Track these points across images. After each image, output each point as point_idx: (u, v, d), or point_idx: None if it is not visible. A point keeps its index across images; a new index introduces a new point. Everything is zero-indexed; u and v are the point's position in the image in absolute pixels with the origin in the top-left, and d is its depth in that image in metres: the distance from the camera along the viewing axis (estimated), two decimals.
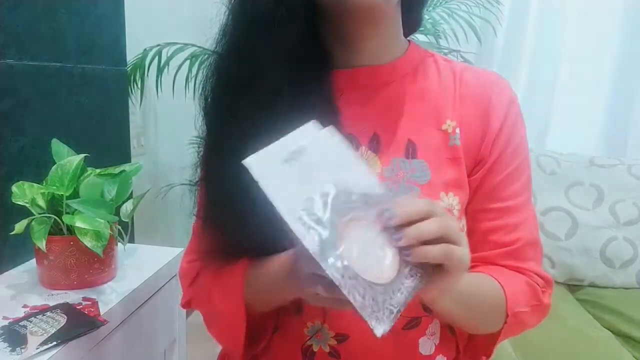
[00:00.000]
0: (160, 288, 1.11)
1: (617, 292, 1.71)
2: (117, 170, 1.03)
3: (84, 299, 0.94)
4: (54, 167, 0.98)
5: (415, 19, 0.72)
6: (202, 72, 0.64)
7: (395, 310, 0.42)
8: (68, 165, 0.98)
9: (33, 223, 0.92)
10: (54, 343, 0.78)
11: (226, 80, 0.61)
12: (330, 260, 0.41)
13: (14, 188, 0.94)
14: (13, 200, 0.93)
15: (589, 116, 2.13)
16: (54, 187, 0.96)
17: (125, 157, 1.46)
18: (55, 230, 0.96)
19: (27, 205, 0.94)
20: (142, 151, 1.84)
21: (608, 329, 1.50)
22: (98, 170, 1.01)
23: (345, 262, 0.42)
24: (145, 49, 1.66)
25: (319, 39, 0.64)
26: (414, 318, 0.64)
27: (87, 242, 0.91)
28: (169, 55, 1.64)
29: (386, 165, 0.63)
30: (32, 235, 0.90)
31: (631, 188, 1.79)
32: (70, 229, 0.94)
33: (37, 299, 0.94)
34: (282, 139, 0.48)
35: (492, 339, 0.67)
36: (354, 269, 0.42)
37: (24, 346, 0.77)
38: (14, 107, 1.05)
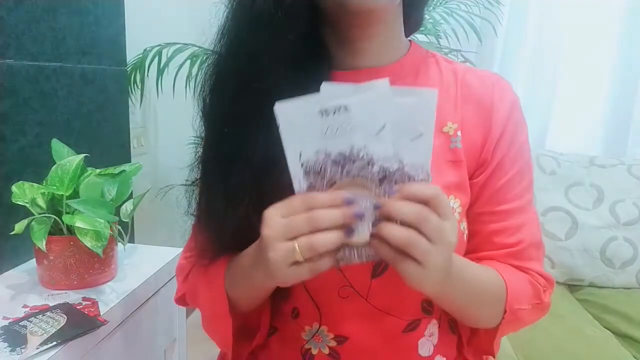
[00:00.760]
0: (160, 288, 1.11)
1: (617, 292, 1.71)
2: (117, 170, 1.03)
3: (84, 299, 0.94)
4: (54, 167, 0.98)
5: (416, 19, 0.72)
6: (202, 73, 0.64)
7: (340, 264, 0.48)
8: (68, 165, 0.98)
9: (33, 223, 0.92)
10: (54, 343, 0.78)
11: (225, 81, 0.61)
12: (328, 196, 0.46)
13: (14, 188, 0.94)
14: (13, 200, 0.93)
15: (589, 116, 2.13)
16: (54, 187, 0.96)
17: (125, 157, 1.46)
18: (55, 230, 0.96)
19: (27, 205, 0.94)
20: (142, 151, 1.84)
21: (608, 329, 1.50)
22: (98, 170, 1.01)
23: None
24: (145, 49, 1.66)
25: (319, 40, 0.63)
26: (413, 321, 0.64)
27: (87, 242, 0.91)
28: (169, 55, 1.64)
29: None
30: (32, 235, 0.90)
31: (631, 188, 1.79)
32: (70, 229, 0.94)
33: (37, 299, 0.94)
34: (336, 88, 0.47)
35: (491, 335, 0.67)
36: None
37: (24, 346, 0.77)
38: (14, 107, 1.05)
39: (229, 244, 0.61)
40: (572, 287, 1.78)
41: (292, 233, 0.46)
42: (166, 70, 1.64)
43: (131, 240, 1.29)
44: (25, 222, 0.92)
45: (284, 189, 0.49)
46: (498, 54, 2.17)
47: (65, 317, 0.86)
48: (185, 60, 1.64)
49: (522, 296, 0.64)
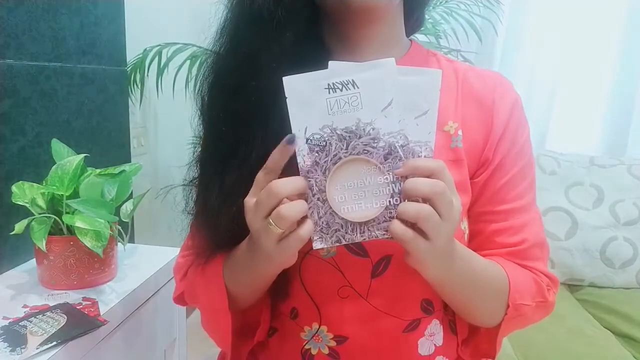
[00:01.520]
0: (160, 288, 1.11)
1: (617, 292, 1.71)
2: (117, 170, 1.03)
3: (84, 299, 0.94)
4: (54, 167, 0.98)
5: (417, 19, 0.72)
6: (201, 72, 0.64)
7: (343, 242, 0.49)
8: (68, 165, 0.98)
9: (33, 223, 0.92)
10: (54, 343, 0.78)
11: (223, 79, 0.61)
12: (311, 181, 0.48)
13: (14, 188, 0.94)
14: (13, 200, 0.93)
15: (589, 116, 2.13)
16: (54, 187, 0.96)
17: (125, 157, 1.46)
18: (55, 230, 0.96)
19: (27, 205, 0.94)
20: (142, 151, 1.84)
21: (608, 329, 1.50)
22: (98, 170, 1.01)
23: (322, 186, 0.48)
24: (145, 49, 1.66)
25: (319, 40, 0.63)
26: (413, 321, 0.64)
27: (87, 242, 0.91)
28: (169, 55, 1.64)
29: None
30: (32, 235, 0.90)
31: (631, 188, 1.79)
32: (70, 229, 0.94)
33: (37, 299, 0.94)
34: (344, 65, 0.47)
35: (493, 334, 0.66)
36: (327, 194, 0.48)
37: (24, 346, 0.77)
38: (14, 107, 1.05)
39: (226, 242, 0.61)
40: (572, 287, 1.78)
41: (261, 210, 0.48)
42: (166, 70, 1.64)
43: (131, 240, 1.29)
44: (25, 222, 0.92)
45: None
46: (498, 53, 2.17)
47: (65, 317, 0.86)
48: (185, 60, 1.64)
49: (525, 292, 0.63)
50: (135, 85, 1.65)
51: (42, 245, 0.90)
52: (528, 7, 2.11)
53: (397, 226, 0.47)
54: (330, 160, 0.48)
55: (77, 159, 0.99)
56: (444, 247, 0.49)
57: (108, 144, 1.37)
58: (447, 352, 0.68)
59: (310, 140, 0.48)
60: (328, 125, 0.48)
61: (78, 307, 0.90)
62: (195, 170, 0.64)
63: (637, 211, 1.76)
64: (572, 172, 1.83)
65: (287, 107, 0.47)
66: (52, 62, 1.15)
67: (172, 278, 1.14)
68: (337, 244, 0.49)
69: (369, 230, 0.48)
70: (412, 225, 0.47)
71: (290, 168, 0.49)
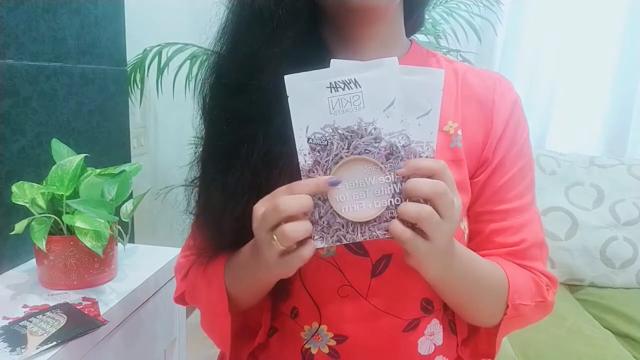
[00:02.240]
0: (160, 288, 1.11)
1: (617, 292, 1.71)
2: (117, 170, 1.03)
3: (84, 299, 0.94)
4: (54, 167, 0.98)
5: (417, 19, 0.72)
6: (202, 72, 0.64)
7: (344, 241, 0.49)
8: (68, 165, 0.98)
9: (33, 223, 0.92)
10: (54, 343, 0.78)
11: (225, 79, 0.61)
12: (313, 180, 0.47)
13: (14, 188, 0.94)
14: (13, 200, 0.93)
15: (589, 116, 2.13)
16: (54, 187, 0.96)
17: (125, 157, 1.46)
18: (55, 230, 0.96)
19: (27, 205, 0.94)
20: (142, 151, 1.84)
21: (608, 329, 1.50)
22: (98, 170, 1.01)
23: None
24: (145, 49, 1.66)
25: (319, 39, 0.63)
26: (413, 320, 0.64)
27: (87, 242, 0.91)
28: (169, 55, 1.64)
29: None
30: (32, 235, 0.90)
31: (631, 188, 1.79)
32: (70, 229, 0.94)
33: (37, 299, 0.94)
34: (346, 64, 0.47)
35: (492, 334, 0.66)
36: (328, 194, 0.47)
37: (24, 346, 0.77)
38: (14, 107, 1.05)
39: (228, 242, 0.61)
40: (572, 287, 1.78)
41: (267, 223, 0.47)
42: (166, 70, 1.64)
43: (131, 240, 1.29)
44: (25, 222, 0.92)
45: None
46: (498, 53, 2.17)
47: (65, 317, 0.86)
48: (185, 60, 1.64)
49: (525, 292, 0.63)
50: (135, 85, 1.65)
51: (42, 245, 0.90)
52: (528, 7, 2.11)
53: (396, 226, 0.47)
54: (332, 159, 0.48)
55: (77, 159, 0.99)
56: (443, 247, 0.49)
57: (108, 144, 1.37)
58: (447, 351, 0.68)
59: (312, 139, 0.47)
60: (329, 125, 0.47)
61: (78, 307, 0.90)
62: (197, 170, 0.64)
63: (637, 211, 1.76)
64: (572, 172, 1.83)
65: (288, 106, 0.47)
66: (52, 62, 1.15)
67: (172, 278, 1.14)
68: (338, 244, 0.49)
69: (369, 230, 0.48)
70: (413, 225, 0.47)
71: (292, 166, 0.49)
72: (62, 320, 0.85)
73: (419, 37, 1.60)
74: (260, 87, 0.56)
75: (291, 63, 0.56)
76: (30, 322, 0.84)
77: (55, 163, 0.99)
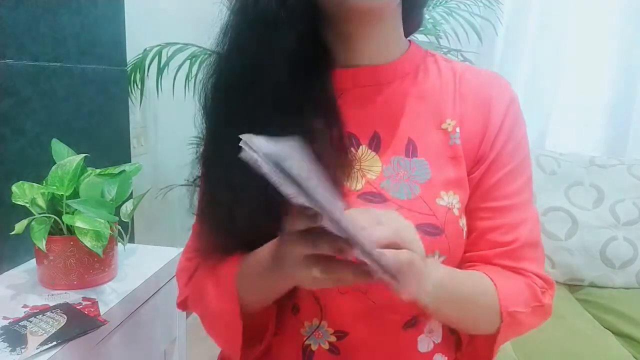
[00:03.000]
0: (160, 288, 1.11)
1: (617, 292, 1.71)
2: (117, 170, 1.03)
3: (84, 299, 0.94)
4: (54, 167, 0.98)
5: (416, 19, 0.72)
6: (202, 72, 0.64)
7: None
8: (68, 165, 0.98)
9: (33, 223, 0.92)
10: (54, 343, 0.78)
11: (227, 79, 0.61)
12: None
13: (14, 188, 0.94)
14: (13, 200, 0.93)
15: (589, 116, 2.13)
16: (54, 187, 0.96)
17: (125, 157, 1.46)
18: (55, 230, 0.96)
19: (27, 205, 0.94)
20: (142, 151, 1.84)
21: (608, 329, 1.50)
22: (98, 170, 1.01)
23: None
24: (145, 49, 1.66)
25: (319, 39, 0.64)
26: (413, 317, 0.64)
27: (87, 242, 0.91)
28: (169, 55, 1.64)
29: (386, 164, 0.63)
30: (32, 235, 0.90)
31: (631, 188, 1.79)
32: (70, 229, 0.94)
33: (37, 299, 0.94)
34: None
35: (491, 341, 0.66)
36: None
37: (24, 346, 0.77)
38: (14, 107, 1.05)
39: (235, 242, 0.60)
40: (572, 287, 1.78)
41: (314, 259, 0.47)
42: (166, 70, 1.64)
43: (131, 240, 1.29)
44: (25, 222, 0.92)
45: None
46: (498, 53, 2.17)
47: (65, 317, 0.86)
48: (185, 60, 1.64)
49: (518, 298, 0.63)
50: (135, 85, 1.65)
51: (42, 245, 0.90)
52: (528, 7, 2.11)
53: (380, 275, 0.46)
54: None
55: (77, 159, 0.99)
56: (428, 282, 0.50)
57: (108, 144, 1.37)
58: (446, 350, 0.68)
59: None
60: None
61: (78, 307, 0.90)
62: (199, 169, 0.64)
63: (637, 211, 1.76)
64: (572, 172, 1.83)
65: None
66: (52, 62, 1.15)
67: (172, 278, 1.14)
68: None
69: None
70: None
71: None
72: (62, 320, 0.85)
73: (420, 37, 1.60)
74: (262, 87, 0.56)
75: (292, 62, 0.57)
76: (30, 322, 0.84)
77: (55, 163, 0.99)
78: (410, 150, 0.63)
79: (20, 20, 1.05)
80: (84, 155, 1.01)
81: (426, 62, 0.68)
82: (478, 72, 0.69)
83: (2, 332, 0.81)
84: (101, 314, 0.89)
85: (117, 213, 1.01)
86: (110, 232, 0.95)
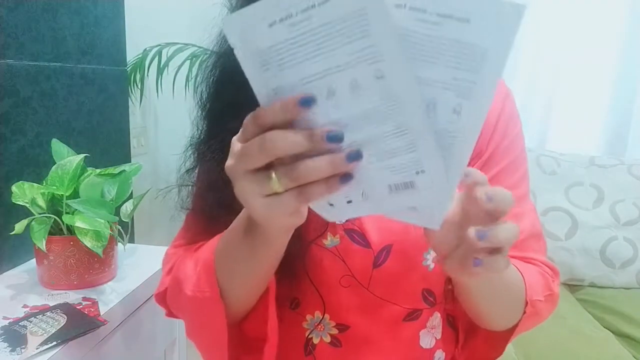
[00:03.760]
0: None
1: (617, 292, 1.71)
2: (117, 170, 1.03)
3: (84, 299, 0.94)
4: (54, 167, 0.98)
5: None
6: (201, 71, 0.64)
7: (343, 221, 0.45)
8: (68, 165, 0.98)
9: (33, 223, 0.92)
10: (54, 343, 0.78)
11: (227, 76, 0.61)
12: None
13: (14, 188, 0.94)
14: (13, 200, 0.93)
15: (589, 116, 2.13)
16: (54, 187, 0.96)
17: (125, 157, 1.46)
18: (55, 230, 0.96)
19: (27, 205, 0.94)
20: (142, 151, 1.84)
21: (608, 329, 1.50)
22: (98, 170, 1.01)
23: None
24: (145, 49, 1.66)
25: None
26: (414, 310, 0.64)
27: (87, 242, 0.91)
28: (169, 55, 1.64)
29: None
30: (32, 235, 0.90)
31: (631, 188, 1.79)
32: (70, 229, 0.94)
33: (37, 299, 0.94)
34: None
35: (494, 337, 0.65)
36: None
37: (24, 346, 0.77)
38: (14, 107, 1.05)
39: (227, 220, 0.56)
40: (572, 287, 1.78)
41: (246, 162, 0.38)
42: (166, 70, 1.64)
43: (131, 240, 1.29)
44: (25, 222, 0.92)
45: None
46: None
47: (65, 317, 0.86)
48: (185, 60, 1.65)
49: (536, 286, 0.62)
50: (135, 85, 1.65)
51: (42, 245, 0.90)
52: (528, 6, 2.10)
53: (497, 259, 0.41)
54: None
55: (77, 159, 0.99)
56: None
57: (108, 144, 1.37)
58: (446, 346, 0.68)
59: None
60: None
61: (78, 307, 0.90)
62: (193, 161, 0.64)
63: (637, 211, 1.76)
64: (572, 172, 1.83)
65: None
66: (52, 62, 1.15)
67: None
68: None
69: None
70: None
71: None
72: (62, 320, 0.85)
73: None
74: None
75: None
76: (30, 322, 0.84)
77: (55, 163, 0.99)
78: None
79: (20, 20, 1.06)
80: (84, 155, 1.01)
81: None
82: None
83: (2, 332, 0.81)
84: (101, 314, 0.89)
85: (117, 213, 1.01)
86: (110, 232, 0.95)
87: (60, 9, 1.16)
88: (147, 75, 1.65)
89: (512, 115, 0.67)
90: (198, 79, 0.64)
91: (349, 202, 0.40)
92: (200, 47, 1.66)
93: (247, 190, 0.39)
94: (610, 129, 2.12)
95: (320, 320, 0.64)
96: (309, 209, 0.42)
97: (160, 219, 1.88)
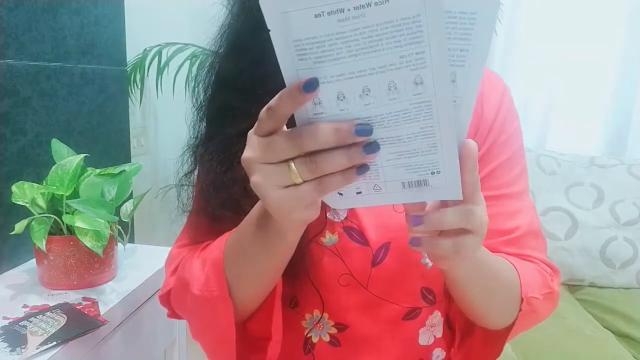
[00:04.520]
0: (160, 288, 1.11)
1: (617, 292, 1.71)
2: (117, 170, 1.03)
3: (84, 299, 0.94)
4: (54, 167, 0.98)
5: None
6: (200, 72, 0.64)
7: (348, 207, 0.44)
8: (68, 165, 0.98)
9: (33, 223, 0.92)
10: (54, 343, 0.78)
11: (225, 78, 0.61)
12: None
13: (14, 188, 0.94)
14: (13, 200, 0.93)
15: (589, 116, 2.13)
16: (54, 187, 0.96)
17: (125, 157, 1.46)
18: (55, 230, 0.96)
19: (27, 205, 0.94)
20: (142, 151, 1.84)
21: (608, 329, 1.50)
22: (98, 170, 1.01)
23: None
24: (145, 49, 1.66)
25: None
26: (413, 309, 0.64)
27: (87, 242, 0.91)
28: (169, 55, 1.64)
29: None
30: (32, 235, 0.90)
31: (631, 188, 1.79)
32: (70, 229, 0.94)
33: (37, 299, 0.94)
34: None
35: (491, 336, 0.65)
36: None
37: (24, 346, 0.77)
38: (14, 107, 1.05)
39: (229, 226, 0.57)
40: (572, 287, 1.78)
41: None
42: (166, 70, 1.64)
43: (131, 240, 1.29)
44: (25, 222, 0.92)
45: None
46: (497, 53, 2.17)
47: (65, 317, 0.86)
48: (185, 60, 1.65)
49: (533, 284, 0.61)
50: (135, 85, 1.65)
51: (42, 245, 0.90)
52: (528, 6, 2.11)
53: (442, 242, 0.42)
54: None
55: (77, 159, 0.99)
56: (483, 235, 0.45)
57: (108, 144, 1.37)
58: (445, 345, 0.69)
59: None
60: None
61: (78, 307, 0.90)
62: (191, 164, 0.64)
63: (637, 211, 1.76)
64: (572, 172, 1.83)
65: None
66: (52, 62, 1.15)
67: None
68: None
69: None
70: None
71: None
72: (62, 320, 0.85)
73: None
74: (261, 87, 0.56)
75: None
76: (30, 322, 0.84)
77: (55, 163, 0.99)
78: None
79: (20, 20, 1.06)
80: (84, 155, 1.01)
81: None
82: None
83: (2, 332, 0.81)
84: (101, 314, 0.89)
85: (117, 213, 1.01)
86: (110, 232, 0.95)
87: (60, 9, 1.16)
88: (147, 75, 1.66)
89: (509, 111, 0.67)
90: (196, 80, 0.64)
91: (359, 192, 0.41)
92: (200, 47, 1.66)
93: (265, 182, 0.39)
94: (611, 129, 2.12)
95: (319, 319, 0.64)
96: None
97: (160, 219, 1.88)
